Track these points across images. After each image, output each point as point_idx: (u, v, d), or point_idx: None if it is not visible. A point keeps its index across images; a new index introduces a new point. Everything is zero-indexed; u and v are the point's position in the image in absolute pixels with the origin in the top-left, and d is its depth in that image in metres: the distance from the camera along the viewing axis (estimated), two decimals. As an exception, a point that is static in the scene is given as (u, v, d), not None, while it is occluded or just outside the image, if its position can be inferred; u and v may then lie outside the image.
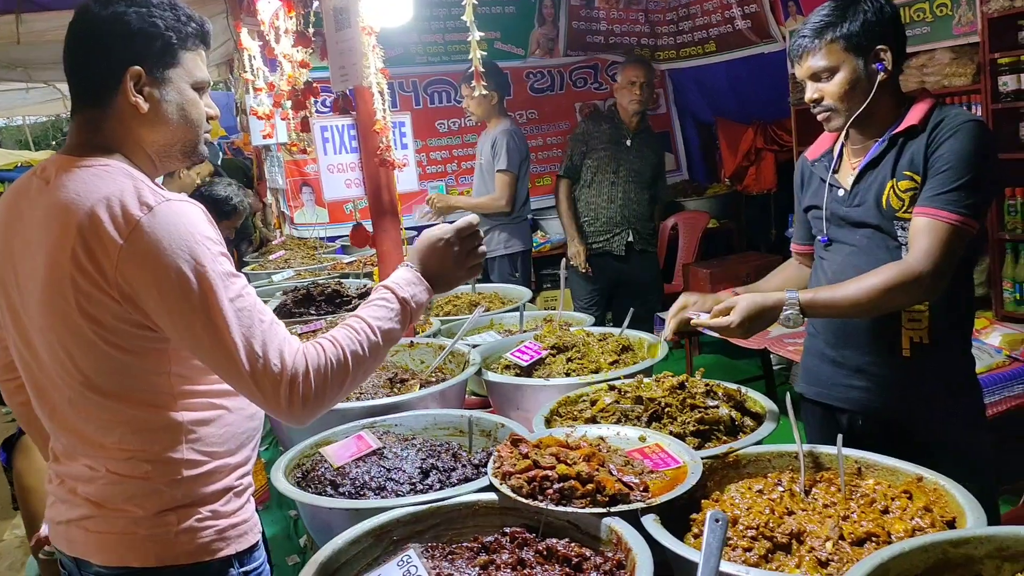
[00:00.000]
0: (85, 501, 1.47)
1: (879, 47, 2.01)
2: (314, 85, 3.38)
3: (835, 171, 2.17)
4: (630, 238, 4.78)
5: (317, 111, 5.58)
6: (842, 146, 2.19)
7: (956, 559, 1.22)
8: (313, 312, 3.40)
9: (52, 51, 5.47)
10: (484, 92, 2.49)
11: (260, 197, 7.07)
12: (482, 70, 2.48)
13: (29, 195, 1.46)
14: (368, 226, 3.26)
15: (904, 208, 2.00)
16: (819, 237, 2.22)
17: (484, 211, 4.78)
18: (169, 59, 1.48)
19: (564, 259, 3.29)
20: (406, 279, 1.59)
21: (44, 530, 1.81)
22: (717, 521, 1.21)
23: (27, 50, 5.18)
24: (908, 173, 2.00)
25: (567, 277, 3.66)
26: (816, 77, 2.07)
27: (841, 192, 2.14)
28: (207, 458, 1.49)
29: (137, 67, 1.45)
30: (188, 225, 1.36)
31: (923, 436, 2.07)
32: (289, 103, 3.44)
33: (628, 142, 4.65)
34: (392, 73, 2.72)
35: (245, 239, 7.63)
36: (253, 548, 1.56)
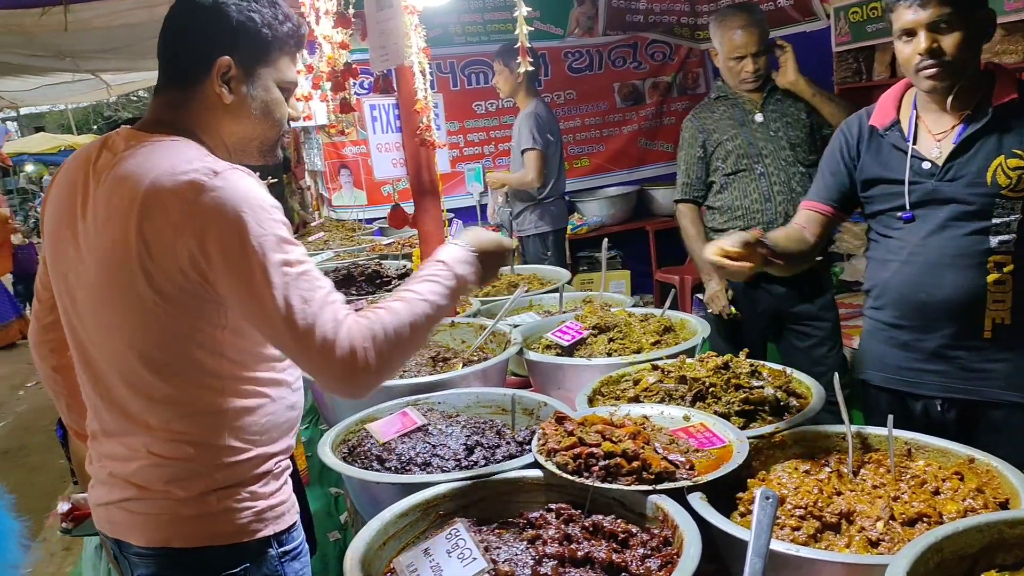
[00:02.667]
0: (126, 483, 1.50)
1: (987, 8, 1.94)
2: (353, 67, 3.40)
3: (914, 142, 2.05)
4: None
5: (356, 93, 5.62)
6: (915, 116, 2.08)
7: (1012, 539, 1.21)
8: (354, 292, 3.44)
9: (99, 39, 5.57)
10: (530, 67, 2.45)
11: (298, 180, 7.14)
12: (528, 46, 2.44)
13: (95, 165, 1.48)
14: (406, 207, 3.28)
15: (1011, 186, 1.93)
16: (900, 214, 2.08)
17: (519, 186, 4.86)
18: (261, 56, 1.51)
19: (604, 239, 3.24)
20: (462, 257, 1.59)
21: (62, 507, 1.85)
22: (767, 499, 1.20)
23: (74, 39, 5.26)
24: (1018, 152, 1.93)
25: (707, 314, 3.49)
26: (936, 26, 1.90)
27: (926, 165, 2.02)
28: (248, 446, 1.51)
29: (227, 57, 1.47)
30: (249, 190, 1.38)
31: (1002, 420, 2.02)
32: (328, 84, 3.46)
33: (759, 116, 3.38)
34: (431, 54, 2.73)
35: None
36: (291, 528, 1.59)
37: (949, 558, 1.18)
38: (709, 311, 3.57)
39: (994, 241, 1.98)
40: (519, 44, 2.42)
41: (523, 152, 4.82)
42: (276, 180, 5.76)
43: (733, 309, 3.49)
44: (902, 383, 2.15)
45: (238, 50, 1.48)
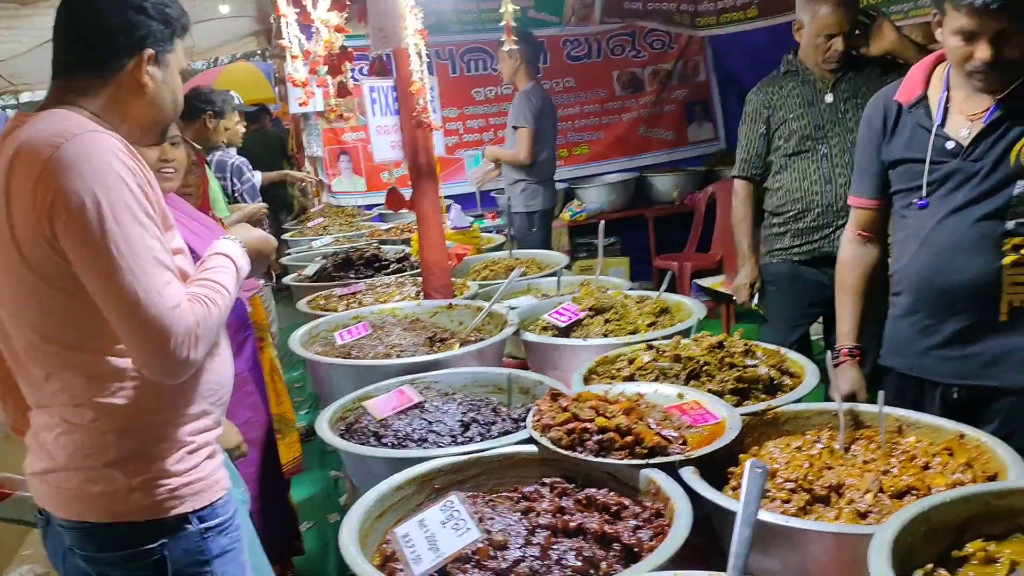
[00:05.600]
0: (47, 454, 1.52)
1: None
2: (349, 50, 3.40)
3: (941, 123, 1.99)
4: None
5: (353, 78, 5.62)
6: (946, 93, 2.00)
7: (998, 510, 1.22)
8: (352, 276, 3.45)
9: None
10: (515, 46, 2.48)
11: (298, 166, 7.15)
12: (513, 25, 2.49)
13: None
14: (405, 194, 3.29)
15: None
16: (915, 200, 2.03)
17: (511, 162, 5.06)
18: (171, 46, 1.59)
19: (601, 222, 3.24)
20: (240, 252, 1.69)
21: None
22: (757, 469, 1.22)
23: None
24: None
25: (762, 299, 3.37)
26: (1000, 35, 1.81)
27: (950, 144, 1.97)
28: (153, 406, 1.51)
29: (152, 50, 1.53)
30: (105, 154, 1.39)
31: (1020, 408, 1.96)
32: (325, 68, 3.46)
33: (829, 97, 3.15)
34: (429, 41, 2.73)
35: (284, 208, 7.73)
36: (215, 504, 1.58)
37: (936, 528, 1.19)
38: (735, 299, 3.53)
39: (1011, 223, 1.92)
40: (504, 22, 2.45)
41: (515, 129, 4.93)
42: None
43: (755, 303, 3.40)
44: (920, 369, 2.09)
45: (157, 41, 1.54)
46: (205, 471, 1.57)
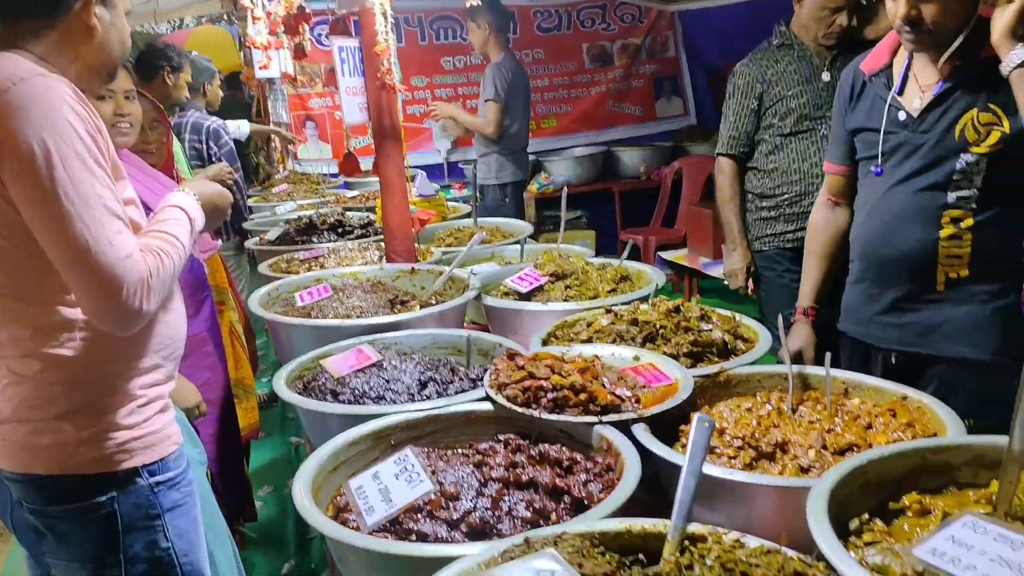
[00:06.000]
0: None
1: None
2: (307, 12, 3.35)
3: (899, 92, 2.03)
4: None
5: (320, 42, 5.54)
6: (908, 64, 2.03)
7: (934, 465, 1.26)
8: (315, 241, 3.43)
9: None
10: (477, 2, 2.45)
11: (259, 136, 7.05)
12: (480, -5, 2.47)
13: None
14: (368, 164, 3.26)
15: (978, 140, 1.91)
16: (872, 168, 2.07)
17: (473, 129, 5.12)
18: None
19: (564, 189, 3.24)
20: (194, 205, 1.68)
21: None
22: (704, 423, 1.25)
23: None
24: (992, 105, 1.89)
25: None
26: None
27: (903, 115, 2.01)
28: (102, 358, 1.51)
29: None
30: (54, 99, 1.36)
31: (953, 376, 2.02)
32: (282, 29, 3.41)
33: (826, 75, 3.01)
34: (397, 7, 2.70)
35: (249, 174, 7.62)
36: (167, 459, 1.58)
37: (873, 481, 1.23)
38: (726, 283, 3.42)
39: (952, 196, 1.97)
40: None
41: (485, 101, 4.90)
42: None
43: (751, 290, 3.28)
44: (866, 335, 2.16)
45: None
46: (156, 425, 1.57)
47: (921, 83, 2.00)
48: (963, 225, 1.97)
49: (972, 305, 2.01)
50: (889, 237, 2.05)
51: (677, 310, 2.04)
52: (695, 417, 1.25)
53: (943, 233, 1.99)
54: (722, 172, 3.19)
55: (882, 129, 2.04)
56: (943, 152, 1.96)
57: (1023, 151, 1.90)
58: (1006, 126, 1.89)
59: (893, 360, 2.11)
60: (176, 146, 3.46)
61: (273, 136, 6.24)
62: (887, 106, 2.04)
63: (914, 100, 2.01)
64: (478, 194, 4.81)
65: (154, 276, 1.44)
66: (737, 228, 3.18)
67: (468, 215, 4.15)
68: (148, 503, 1.54)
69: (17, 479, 1.51)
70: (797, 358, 2.06)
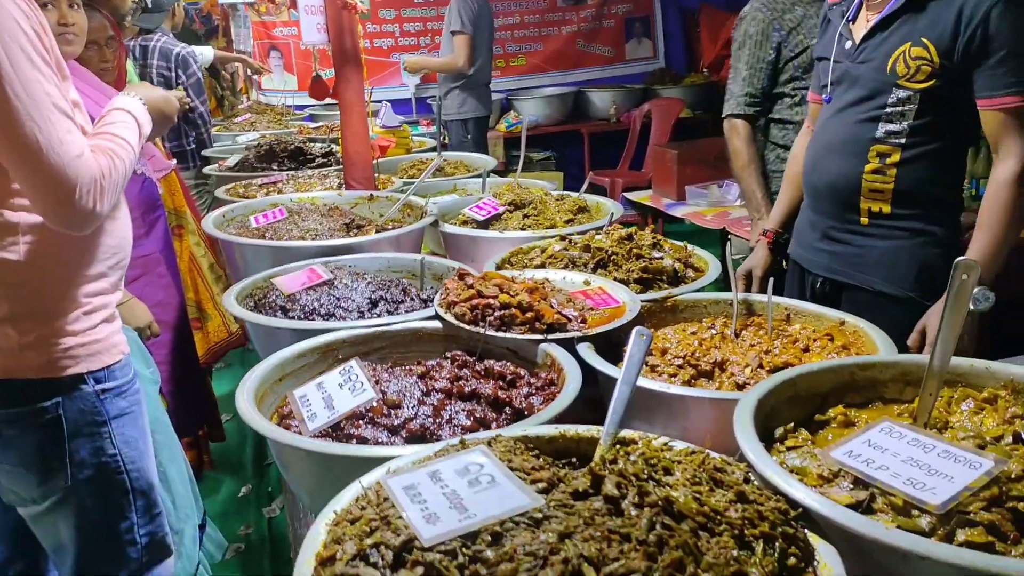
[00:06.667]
0: None
1: None
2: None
3: (851, 20, 2.05)
4: None
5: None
6: None
7: (862, 381, 1.31)
8: (275, 168, 3.39)
9: None
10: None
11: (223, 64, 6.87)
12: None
13: None
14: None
15: (909, 76, 1.90)
16: (823, 96, 2.10)
17: (445, 70, 5.00)
18: None
19: (525, 121, 3.23)
20: (141, 109, 1.67)
21: None
22: (642, 336, 1.27)
23: None
24: (925, 40, 1.87)
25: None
26: None
27: (848, 44, 2.03)
28: (46, 263, 1.50)
29: None
30: None
31: (872, 306, 2.01)
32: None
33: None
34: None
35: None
36: (112, 367, 1.59)
37: (803, 394, 1.27)
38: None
39: (881, 130, 1.97)
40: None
41: (452, 34, 4.84)
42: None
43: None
44: (804, 259, 2.22)
45: None
46: (101, 334, 1.57)
47: (869, 13, 2.01)
48: (889, 160, 1.98)
49: (893, 241, 2.03)
50: (818, 166, 2.10)
51: (630, 238, 2.06)
52: (634, 330, 1.28)
53: (867, 168, 2.00)
54: (736, 134, 2.81)
55: (831, 58, 2.06)
56: (879, 85, 1.96)
57: (959, 91, 1.88)
58: (936, 62, 1.87)
59: (818, 286, 2.16)
60: (130, 65, 3.37)
61: (238, 65, 6.09)
62: (837, 34, 2.06)
63: (861, 30, 2.01)
64: (444, 130, 4.78)
65: (106, 177, 1.42)
66: (761, 194, 2.76)
67: (433, 149, 4.12)
68: (94, 409, 1.55)
69: None
70: (747, 277, 2.11)
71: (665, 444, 1.13)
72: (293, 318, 1.77)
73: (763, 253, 2.25)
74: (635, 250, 2.01)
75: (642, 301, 1.75)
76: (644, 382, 1.33)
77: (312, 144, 3.70)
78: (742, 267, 1.99)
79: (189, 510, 2.27)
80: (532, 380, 1.49)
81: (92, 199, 1.40)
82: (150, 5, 4.15)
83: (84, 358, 1.53)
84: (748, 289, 2.18)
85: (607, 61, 7.00)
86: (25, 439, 1.52)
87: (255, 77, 6.10)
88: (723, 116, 2.84)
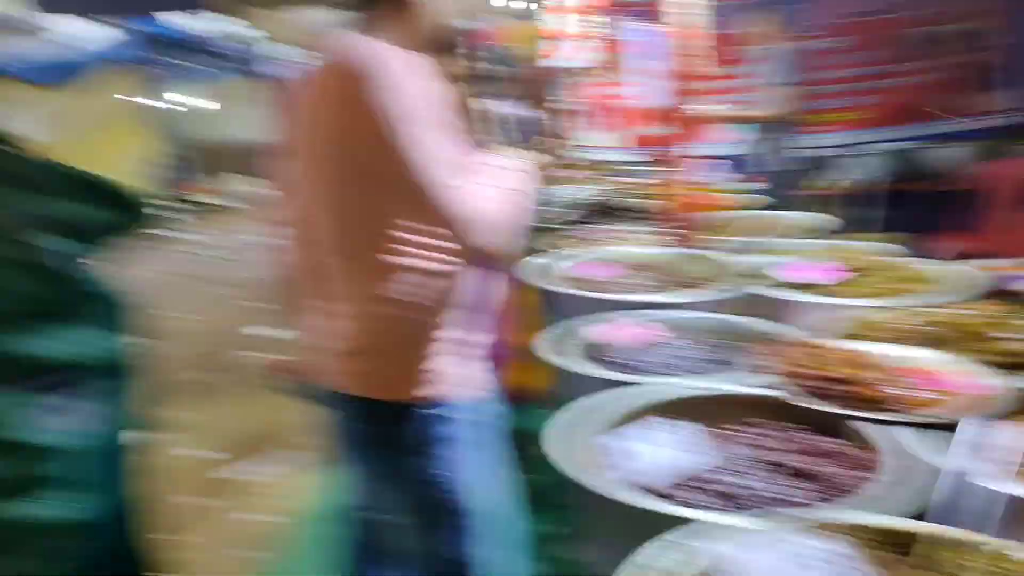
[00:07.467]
0: (339, 338, 1.62)
1: None
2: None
3: None
4: None
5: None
6: None
7: None
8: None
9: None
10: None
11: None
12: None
13: None
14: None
15: None
16: None
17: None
18: None
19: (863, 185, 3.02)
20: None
21: None
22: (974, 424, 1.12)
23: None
24: None
25: None
26: None
27: None
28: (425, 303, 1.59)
29: None
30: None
31: None
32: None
33: None
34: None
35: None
36: (463, 401, 1.65)
37: None
38: None
39: None
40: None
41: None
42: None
43: None
44: None
45: None
46: (462, 370, 1.65)
47: None
48: None
49: None
50: None
51: (993, 315, 1.85)
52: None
53: None
54: None
55: None
56: None
57: None
58: None
59: None
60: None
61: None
62: None
63: None
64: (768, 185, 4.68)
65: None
66: None
67: (761, 207, 4.02)
68: (436, 433, 1.63)
69: (348, 400, 1.65)
70: None
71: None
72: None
73: None
74: (993, 328, 1.79)
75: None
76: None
77: (630, 200, 3.81)
78: None
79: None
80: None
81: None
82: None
83: (440, 389, 1.62)
84: None
85: (948, 116, 6.38)
86: (382, 453, 1.65)
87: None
88: None
